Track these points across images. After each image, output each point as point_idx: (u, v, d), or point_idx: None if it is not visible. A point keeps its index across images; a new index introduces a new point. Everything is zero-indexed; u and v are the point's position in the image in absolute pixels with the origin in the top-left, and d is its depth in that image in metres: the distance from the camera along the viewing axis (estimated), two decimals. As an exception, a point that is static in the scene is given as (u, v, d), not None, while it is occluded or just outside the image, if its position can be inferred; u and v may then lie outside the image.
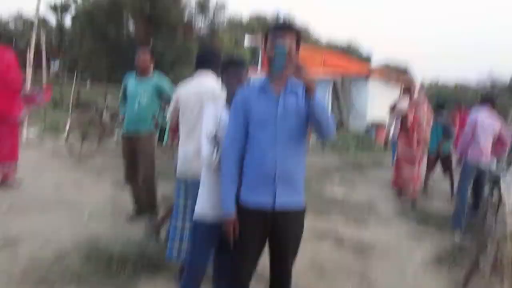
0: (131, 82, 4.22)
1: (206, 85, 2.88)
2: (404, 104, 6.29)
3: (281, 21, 2.43)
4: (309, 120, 2.07)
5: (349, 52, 35.95)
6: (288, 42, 2.06)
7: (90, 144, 7.65)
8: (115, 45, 22.69)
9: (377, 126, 14.47)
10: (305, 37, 34.19)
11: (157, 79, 4.19)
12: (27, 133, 8.03)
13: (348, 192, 6.45)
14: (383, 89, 16.68)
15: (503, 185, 4.21)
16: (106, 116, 8.21)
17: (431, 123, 6.13)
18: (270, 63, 2.07)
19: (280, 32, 2.10)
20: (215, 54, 3.11)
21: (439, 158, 6.71)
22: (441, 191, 6.89)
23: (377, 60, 40.22)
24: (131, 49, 22.70)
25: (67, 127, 7.07)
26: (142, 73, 4.17)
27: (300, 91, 2.05)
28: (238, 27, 32.31)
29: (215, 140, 2.21)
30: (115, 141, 8.23)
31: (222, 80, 2.48)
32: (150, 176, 4.17)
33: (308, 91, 1.95)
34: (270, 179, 2.05)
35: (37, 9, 7.81)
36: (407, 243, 4.42)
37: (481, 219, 4.57)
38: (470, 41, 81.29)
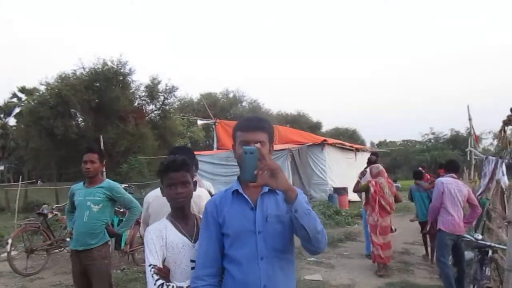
0: (79, 192, 3.81)
1: None
2: (367, 177, 6.47)
3: (249, 120, 1.90)
4: (294, 229, 1.71)
5: (299, 120, 37.25)
6: (258, 143, 1.72)
7: (37, 258, 6.86)
8: (63, 140, 21.99)
9: (338, 192, 14.52)
10: (256, 110, 35.31)
11: (107, 184, 3.82)
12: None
13: (327, 276, 6.02)
14: (338, 155, 17.05)
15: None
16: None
17: (394, 190, 6.21)
18: (240, 169, 1.71)
19: (248, 132, 1.79)
20: (188, 153, 2.83)
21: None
22: (425, 264, 6.70)
23: (326, 126, 41.88)
24: (80, 143, 22.16)
25: (9, 240, 6.31)
26: (91, 181, 3.79)
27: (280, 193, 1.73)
28: (189, 107, 32.87)
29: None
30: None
31: (162, 188, 2.09)
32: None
33: (287, 196, 1.62)
34: None
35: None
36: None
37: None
38: (410, 103, 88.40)
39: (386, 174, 6.31)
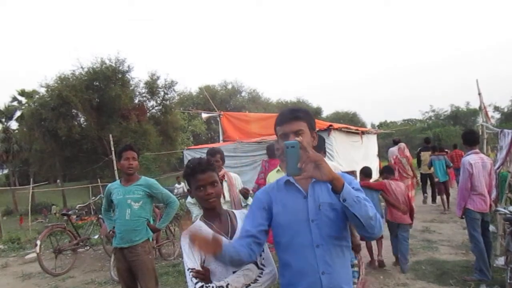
0: (117, 191, 3.86)
1: None
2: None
3: (283, 112, 1.88)
4: (347, 215, 1.71)
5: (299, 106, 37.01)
6: (299, 135, 1.74)
7: (63, 258, 6.94)
8: (67, 141, 21.97)
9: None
10: (256, 99, 35.26)
11: (144, 181, 3.88)
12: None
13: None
14: (344, 139, 17.09)
15: None
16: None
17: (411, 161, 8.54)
18: (285, 162, 1.71)
19: (284, 125, 1.79)
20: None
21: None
22: (447, 240, 6.81)
23: (326, 111, 41.88)
24: (84, 143, 22.15)
25: (38, 242, 6.37)
26: (128, 179, 3.85)
27: None
28: (189, 101, 32.75)
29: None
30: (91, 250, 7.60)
31: (191, 190, 2.06)
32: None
33: (334, 186, 1.61)
34: None
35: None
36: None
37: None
38: (410, 83, 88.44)
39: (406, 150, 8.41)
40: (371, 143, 18.94)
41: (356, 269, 3.39)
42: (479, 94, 8.41)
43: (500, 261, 4.85)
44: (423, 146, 11.19)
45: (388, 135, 26.31)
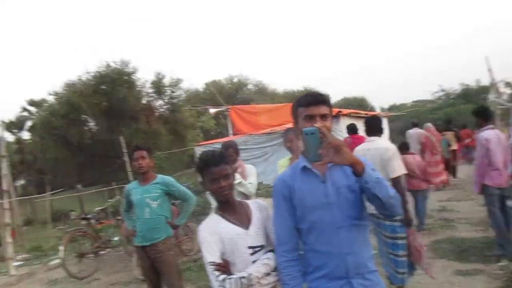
0: (135, 191, 3.93)
1: None
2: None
3: (311, 94, 1.88)
4: (367, 195, 1.76)
5: (306, 95, 36.76)
6: (320, 120, 1.76)
7: (85, 261, 7.08)
8: (79, 147, 22.23)
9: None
10: (263, 91, 35.18)
11: (161, 180, 3.94)
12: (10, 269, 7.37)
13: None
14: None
15: None
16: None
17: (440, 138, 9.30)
18: (304, 148, 1.77)
19: (311, 107, 1.80)
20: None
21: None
22: (465, 218, 6.79)
23: (334, 97, 41.54)
24: (96, 147, 22.36)
25: (61, 247, 6.50)
26: (145, 178, 3.91)
27: None
28: (196, 97, 32.81)
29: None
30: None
31: (204, 183, 2.07)
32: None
33: (355, 169, 1.66)
34: (341, 273, 1.78)
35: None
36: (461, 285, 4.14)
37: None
38: (418, 65, 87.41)
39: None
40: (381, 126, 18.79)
41: (404, 241, 3.52)
42: (489, 70, 8.33)
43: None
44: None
45: (398, 118, 26.09)
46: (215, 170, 1.97)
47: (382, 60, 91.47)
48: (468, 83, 37.17)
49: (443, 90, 39.20)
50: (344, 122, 16.10)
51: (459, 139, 11.15)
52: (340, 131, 15.90)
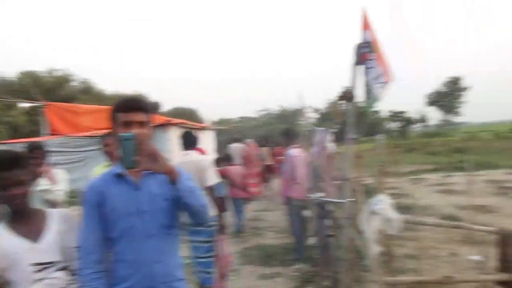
0: None
1: None
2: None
3: (129, 100, 1.81)
4: (179, 204, 1.79)
5: (137, 100, 35.57)
6: (143, 126, 1.74)
7: None
8: None
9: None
10: (89, 89, 32.56)
11: None
12: None
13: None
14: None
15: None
16: None
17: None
18: (120, 154, 1.66)
19: (130, 113, 1.74)
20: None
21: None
22: (272, 226, 7.50)
23: (166, 107, 41.39)
24: None
25: None
26: None
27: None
28: (5, 87, 28.28)
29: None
30: None
31: None
32: None
33: (171, 178, 1.69)
34: (147, 283, 1.77)
35: None
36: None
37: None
38: (245, 83, 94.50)
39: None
40: (208, 138, 19.65)
41: (213, 244, 3.77)
42: (299, 97, 9.65)
43: (312, 240, 5.63)
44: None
45: (225, 131, 27.71)
46: (5, 175, 1.69)
47: (219, 76, 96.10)
48: (287, 105, 42.28)
49: (266, 110, 43.65)
50: (174, 131, 16.21)
51: (273, 155, 12.41)
52: (168, 140, 15.95)
